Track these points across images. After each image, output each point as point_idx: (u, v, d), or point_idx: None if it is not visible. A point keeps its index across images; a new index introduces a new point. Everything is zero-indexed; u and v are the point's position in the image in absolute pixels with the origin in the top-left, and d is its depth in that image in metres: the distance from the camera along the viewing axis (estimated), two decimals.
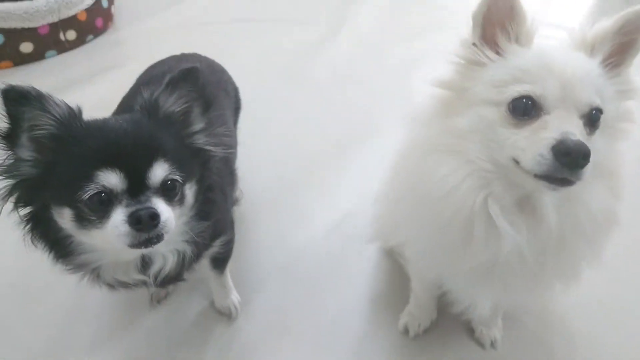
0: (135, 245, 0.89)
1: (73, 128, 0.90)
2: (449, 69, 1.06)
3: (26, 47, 2.84)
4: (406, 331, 1.48)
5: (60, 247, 0.99)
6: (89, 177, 0.86)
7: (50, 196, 0.91)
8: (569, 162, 0.84)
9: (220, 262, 1.43)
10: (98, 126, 0.94)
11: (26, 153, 0.90)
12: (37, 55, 2.88)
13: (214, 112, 1.12)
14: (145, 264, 1.05)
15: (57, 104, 0.89)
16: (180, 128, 1.02)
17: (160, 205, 0.91)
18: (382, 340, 1.48)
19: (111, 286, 1.09)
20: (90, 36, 3.15)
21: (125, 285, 1.09)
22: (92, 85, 2.62)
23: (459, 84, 1.04)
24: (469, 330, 1.49)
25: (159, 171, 0.92)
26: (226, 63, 1.76)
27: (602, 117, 0.94)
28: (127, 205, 0.88)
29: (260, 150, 2.20)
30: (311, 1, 3.77)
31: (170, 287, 1.58)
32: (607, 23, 0.99)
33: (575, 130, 0.88)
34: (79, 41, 3.07)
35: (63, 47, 3.00)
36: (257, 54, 3.04)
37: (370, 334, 1.50)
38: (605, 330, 1.50)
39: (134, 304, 1.56)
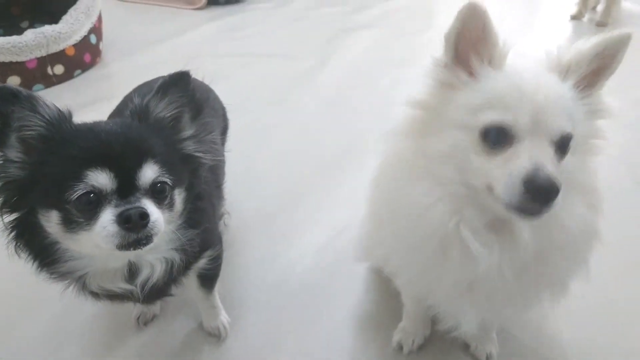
0: (123, 246, 0.87)
1: (62, 129, 0.91)
2: (423, 89, 1.04)
3: (13, 81, 2.85)
4: (400, 348, 1.45)
5: (46, 255, 0.97)
6: (78, 177, 0.85)
7: (37, 199, 0.90)
8: (539, 197, 0.85)
9: (208, 280, 1.40)
10: (88, 128, 0.94)
11: (14, 154, 0.89)
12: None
13: (204, 120, 1.13)
14: (132, 272, 1.03)
15: (47, 106, 0.89)
16: (171, 133, 1.02)
17: (150, 206, 0.90)
18: (376, 358, 1.44)
19: (97, 295, 1.06)
20: (78, 71, 3.18)
21: (111, 295, 1.06)
22: (80, 116, 2.61)
23: (432, 105, 1.02)
24: (464, 345, 1.46)
25: (149, 172, 0.91)
26: (217, 92, 1.77)
27: (573, 139, 0.94)
28: (116, 206, 0.87)
29: (251, 172, 2.22)
30: (301, 38, 3.88)
31: (157, 308, 1.54)
32: (585, 47, 0.98)
33: (547, 160, 0.88)
34: (67, 75, 3.10)
35: (51, 81, 3.02)
36: (246, 86, 3.09)
37: (364, 352, 1.46)
38: (599, 341, 1.48)
39: (120, 326, 1.51)
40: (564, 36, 3.92)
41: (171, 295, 1.22)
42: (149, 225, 0.87)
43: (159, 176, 0.93)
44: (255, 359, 1.45)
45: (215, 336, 1.49)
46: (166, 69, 1.71)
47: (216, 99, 1.73)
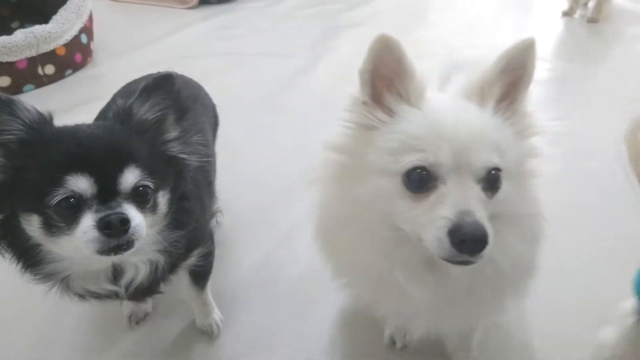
0: (104, 251, 0.87)
1: (43, 133, 0.90)
2: (342, 131, 0.98)
3: (3, 81, 2.83)
4: (393, 342, 1.44)
5: (29, 256, 0.96)
6: (58, 182, 0.85)
7: (17, 203, 0.90)
8: (466, 250, 0.81)
9: (200, 277, 1.41)
10: (69, 132, 0.94)
11: None
12: (14, 89, 2.86)
13: (190, 121, 1.13)
14: (116, 273, 1.03)
15: (27, 109, 0.89)
16: (154, 135, 1.02)
17: (131, 211, 0.90)
18: (371, 354, 1.45)
19: (82, 297, 1.06)
20: (69, 71, 3.16)
21: (96, 295, 1.06)
22: (71, 116, 2.58)
23: (352, 148, 0.96)
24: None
25: (130, 177, 0.91)
26: (209, 91, 1.77)
27: (503, 170, 0.89)
28: (96, 211, 0.87)
29: (242, 173, 2.21)
30: (291, 37, 3.86)
31: (149, 306, 1.55)
32: (490, 65, 0.93)
33: (473, 203, 0.84)
34: (58, 75, 3.08)
35: (41, 82, 3.00)
36: (239, 85, 3.07)
37: (357, 348, 1.47)
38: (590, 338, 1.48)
39: (112, 325, 1.52)
40: (556, 33, 3.93)
41: (160, 292, 1.22)
42: (129, 230, 0.87)
43: (140, 180, 0.92)
44: (248, 356, 1.46)
45: (208, 334, 1.50)
46: (158, 68, 1.73)
47: (206, 95, 1.73)
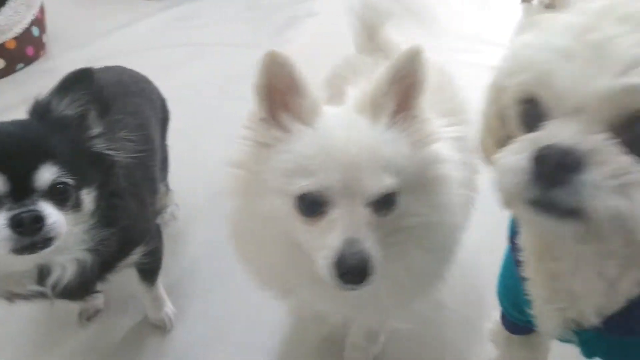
0: (18, 250, 0.86)
1: None
2: (241, 147, 0.95)
3: None
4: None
5: None
6: None
7: None
8: (349, 279, 0.81)
9: (148, 274, 1.40)
10: None
11: None
12: None
13: (121, 116, 1.11)
14: (42, 274, 1.01)
15: None
16: (77, 132, 1.00)
17: (48, 209, 0.88)
18: (326, 341, 1.46)
19: (7, 299, 1.04)
20: (21, 65, 3.07)
21: (22, 297, 1.04)
22: (22, 112, 2.53)
23: (251, 166, 0.93)
24: None
25: (46, 174, 0.90)
26: (165, 85, 1.73)
27: (399, 186, 0.85)
28: (9, 209, 0.86)
29: (202, 165, 2.17)
30: (255, 26, 3.82)
31: (101, 302, 1.53)
32: (378, 77, 0.89)
33: (361, 230, 0.81)
34: (8, 70, 2.98)
35: None
36: (199, 76, 3.03)
37: (312, 335, 1.48)
38: None
39: (62, 322, 1.50)
40: (515, 19, 3.97)
41: (97, 292, 1.21)
42: (44, 228, 0.86)
43: (58, 177, 0.91)
44: (200, 348, 1.46)
45: (161, 328, 1.50)
46: (116, 61, 1.70)
47: (154, 90, 1.69)
